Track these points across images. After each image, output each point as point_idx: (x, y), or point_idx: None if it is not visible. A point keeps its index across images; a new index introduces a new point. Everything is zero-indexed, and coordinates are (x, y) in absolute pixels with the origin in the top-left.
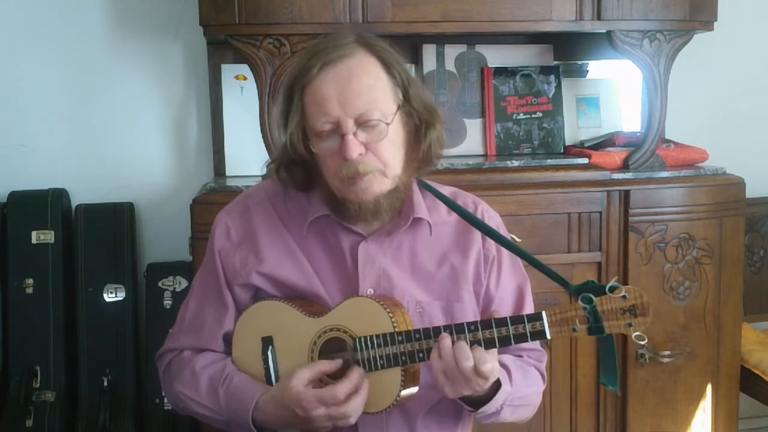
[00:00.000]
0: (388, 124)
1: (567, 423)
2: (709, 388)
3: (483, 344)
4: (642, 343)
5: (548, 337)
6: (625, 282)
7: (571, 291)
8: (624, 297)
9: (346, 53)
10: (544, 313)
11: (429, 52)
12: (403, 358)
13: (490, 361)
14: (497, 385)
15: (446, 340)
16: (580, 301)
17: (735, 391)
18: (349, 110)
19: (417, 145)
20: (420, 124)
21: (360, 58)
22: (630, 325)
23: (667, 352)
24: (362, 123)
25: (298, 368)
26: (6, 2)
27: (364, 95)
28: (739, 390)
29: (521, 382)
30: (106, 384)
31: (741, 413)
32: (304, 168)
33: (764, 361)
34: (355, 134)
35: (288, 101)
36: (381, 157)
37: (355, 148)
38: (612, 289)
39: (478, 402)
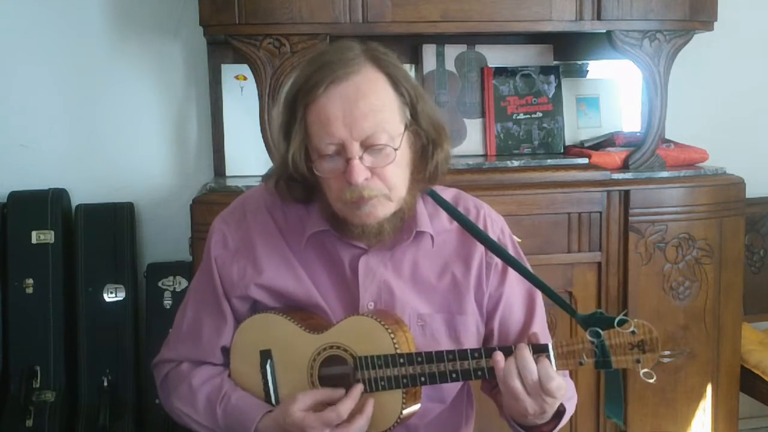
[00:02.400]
0: (396, 149)
1: (567, 423)
2: (709, 388)
3: (487, 373)
4: (650, 381)
5: (554, 368)
6: (625, 283)
7: (579, 321)
8: (633, 332)
9: (352, 70)
10: (550, 345)
11: (429, 52)
12: (405, 380)
13: (556, 378)
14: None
15: (525, 350)
16: (588, 335)
17: (735, 391)
18: (356, 133)
19: (423, 166)
20: (427, 144)
21: (367, 74)
22: (638, 361)
23: (667, 352)
24: (368, 146)
25: (300, 393)
26: (6, 2)
27: (371, 117)
28: (739, 390)
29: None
30: (106, 384)
31: (741, 413)
32: (304, 184)
33: (764, 361)
34: (361, 158)
35: (290, 116)
36: (386, 181)
37: (360, 173)
38: (621, 323)
39: (537, 426)
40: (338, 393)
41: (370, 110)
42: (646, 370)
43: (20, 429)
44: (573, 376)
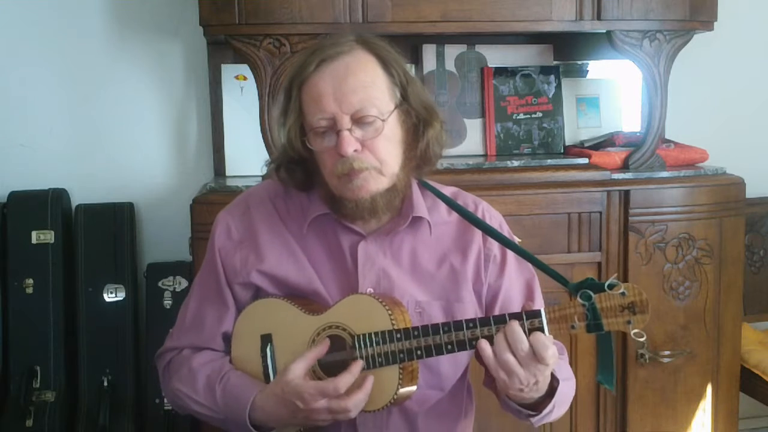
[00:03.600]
0: (383, 120)
1: (567, 423)
2: (709, 388)
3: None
4: (641, 340)
5: (546, 334)
6: (625, 282)
7: (570, 288)
8: (623, 294)
9: (343, 50)
10: (542, 310)
11: (429, 52)
12: (401, 355)
13: (551, 347)
14: (551, 384)
15: (516, 324)
16: (578, 298)
17: (735, 391)
18: (345, 106)
19: (415, 144)
20: (418, 123)
21: (357, 55)
22: (629, 322)
23: (667, 352)
24: (358, 120)
25: (292, 362)
26: (6, 2)
27: (360, 92)
28: (739, 390)
29: (560, 376)
30: (106, 384)
31: (741, 413)
32: (304, 167)
33: (764, 361)
34: (350, 131)
35: (287, 99)
36: (377, 155)
37: (350, 144)
38: (611, 287)
39: (534, 405)
40: (324, 345)
41: (359, 85)
42: (636, 330)
43: (20, 429)
44: (574, 372)
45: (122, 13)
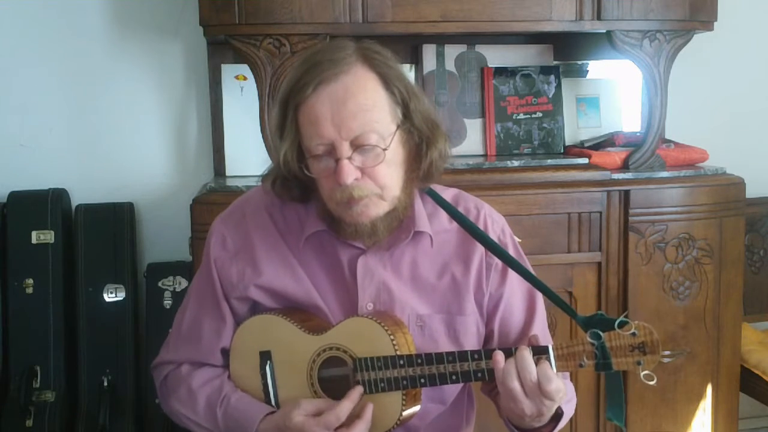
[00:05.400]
0: (384, 149)
1: (567, 423)
2: (709, 388)
3: (487, 375)
4: (651, 383)
5: (554, 370)
6: (625, 283)
7: (579, 322)
8: (633, 334)
9: (342, 70)
10: (550, 347)
11: (429, 52)
12: (404, 382)
13: (555, 381)
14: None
15: (526, 351)
16: (588, 337)
17: (735, 391)
18: (344, 132)
19: (417, 164)
20: (421, 143)
21: (357, 74)
22: (639, 363)
23: (667, 352)
24: (358, 146)
25: (304, 399)
26: (6, 3)
27: (360, 116)
28: (739, 390)
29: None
30: (106, 384)
31: (741, 413)
32: (300, 183)
33: (764, 361)
34: (350, 158)
35: (283, 116)
36: (378, 181)
37: (349, 173)
38: (621, 325)
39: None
40: (344, 405)
41: (359, 110)
42: (646, 372)
43: (20, 429)
44: (573, 376)
45: (122, 13)
